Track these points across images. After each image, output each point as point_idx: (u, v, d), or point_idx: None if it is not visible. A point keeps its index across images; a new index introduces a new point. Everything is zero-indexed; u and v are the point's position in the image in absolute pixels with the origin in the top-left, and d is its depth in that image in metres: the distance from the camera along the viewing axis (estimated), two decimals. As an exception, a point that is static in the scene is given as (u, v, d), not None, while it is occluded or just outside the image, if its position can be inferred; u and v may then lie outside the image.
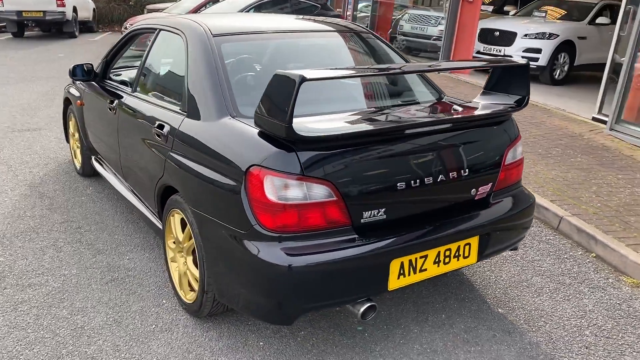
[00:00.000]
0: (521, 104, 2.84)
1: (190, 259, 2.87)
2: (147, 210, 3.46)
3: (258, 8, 11.17)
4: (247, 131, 2.43)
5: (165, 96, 3.19)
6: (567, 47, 10.36)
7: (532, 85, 9.62)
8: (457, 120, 2.67)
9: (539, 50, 10.18)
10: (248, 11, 10.99)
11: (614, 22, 11.13)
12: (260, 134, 2.36)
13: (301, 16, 4.04)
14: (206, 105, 2.71)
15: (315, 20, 3.66)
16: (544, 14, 11.24)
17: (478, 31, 10.69)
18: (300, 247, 2.27)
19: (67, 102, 5.02)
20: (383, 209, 2.43)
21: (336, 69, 2.69)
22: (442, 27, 11.52)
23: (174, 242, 3.08)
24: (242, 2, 11.15)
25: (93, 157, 4.62)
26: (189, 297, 2.93)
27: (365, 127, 2.46)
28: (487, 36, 10.79)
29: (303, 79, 2.10)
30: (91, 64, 4.22)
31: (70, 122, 5.05)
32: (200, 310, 2.80)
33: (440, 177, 2.56)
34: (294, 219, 2.26)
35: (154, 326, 2.87)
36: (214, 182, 2.48)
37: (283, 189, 2.23)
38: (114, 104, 3.67)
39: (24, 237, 3.79)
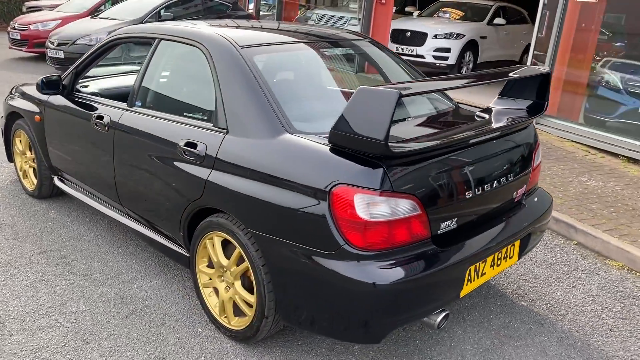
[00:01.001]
0: (541, 109, 3.02)
1: (238, 283, 2.73)
2: (158, 235, 3.22)
3: (167, 7, 10.76)
4: (320, 149, 2.35)
5: (187, 112, 2.98)
6: (471, 46, 11.08)
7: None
8: (511, 126, 2.76)
9: (448, 50, 10.78)
10: (159, 11, 10.53)
11: (508, 22, 12.12)
12: (335, 151, 2.30)
13: (293, 23, 3.96)
14: (255, 122, 2.58)
15: (320, 30, 3.60)
16: (447, 15, 11.93)
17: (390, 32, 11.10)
18: (390, 264, 2.25)
19: (12, 116, 4.50)
20: (455, 218, 2.48)
21: (416, 81, 2.66)
22: (352, 28, 11.81)
23: (207, 267, 2.91)
24: (151, 1, 10.65)
25: (56, 177, 4.19)
26: (236, 323, 2.78)
27: (444, 138, 2.48)
28: (399, 37, 11.22)
29: (401, 95, 2.09)
30: (59, 75, 3.82)
31: (17, 139, 4.54)
32: (256, 335, 2.67)
33: (495, 182, 2.66)
34: (383, 236, 2.24)
35: (202, 359, 2.69)
36: (281, 203, 2.38)
37: (373, 206, 2.20)
38: (105, 121, 3.36)
39: (2, 274, 3.36)
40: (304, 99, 2.80)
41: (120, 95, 3.65)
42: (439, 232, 2.42)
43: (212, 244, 2.81)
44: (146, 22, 10.18)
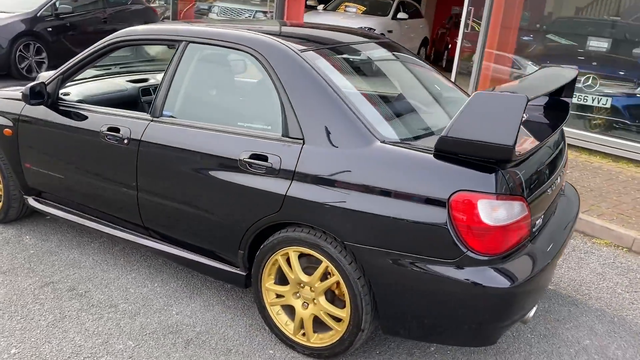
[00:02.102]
0: (567, 109, 3.20)
1: (322, 298, 2.61)
2: (199, 256, 2.96)
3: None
4: (426, 157, 2.31)
5: (241, 122, 2.76)
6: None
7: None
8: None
9: (361, 43, 11.01)
10: (54, 2, 9.56)
11: (410, 17, 12.66)
12: (444, 158, 2.28)
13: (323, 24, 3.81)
14: (340, 131, 2.47)
15: (348, 31, 3.49)
16: (354, 10, 12.18)
17: (303, 26, 11.08)
18: (508, 267, 2.29)
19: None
20: (542, 214, 2.58)
21: (522, 82, 2.64)
22: (257, 21, 11.63)
23: (274, 284, 2.75)
24: (44, -5, 9.64)
25: (30, 198, 3.69)
26: (318, 339, 2.66)
27: (541, 138, 2.54)
28: (311, 30, 11.24)
29: (528, 99, 2.12)
30: (43, 82, 3.35)
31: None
32: (348, 349, 2.58)
33: (559, 177, 2.80)
34: (501, 240, 2.26)
35: (291, 382, 2.55)
36: (388, 214, 2.30)
37: (494, 211, 2.22)
38: (123, 134, 3.01)
39: (9, 317, 2.90)
40: (374, 103, 2.73)
41: (117, 102, 3.30)
42: (533, 230, 2.50)
43: (285, 260, 2.66)
44: (41, 15, 9.22)
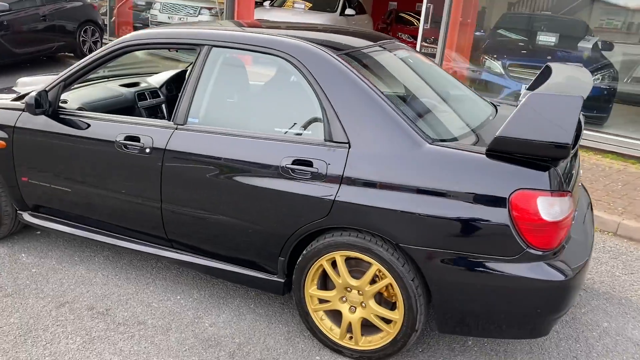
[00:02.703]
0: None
1: (373, 301, 2.61)
2: (233, 265, 2.90)
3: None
4: (481, 157, 2.36)
5: (278, 128, 2.71)
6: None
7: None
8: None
9: (313, 40, 11.01)
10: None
11: (357, 13, 12.78)
12: (499, 157, 2.34)
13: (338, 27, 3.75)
14: (388, 134, 2.47)
15: (364, 33, 3.47)
16: (302, 6, 12.15)
17: (253, 22, 10.95)
18: (560, 261, 2.39)
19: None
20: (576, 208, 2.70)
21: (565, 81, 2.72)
22: (203, 17, 11.41)
23: (317, 289, 2.73)
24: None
25: (26, 213, 3.46)
26: (366, 342, 2.67)
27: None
28: (261, 27, 11.12)
29: (583, 99, 2.22)
30: (45, 89, 3.14)
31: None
32: (401, 350, 2.61)
33: (579, 168, 2.95)
34: (555, 234, 2.35)
35: (347, 386, 2.55)
36: (445, 215, 2.34)
37: (551, 207, 2.31)
38: (145, 143, 2.88)
39: (33, 343, 2.72)
40: (413, 105, 2.75)
41: (117, 109, 3.16)
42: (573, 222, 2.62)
43: (330, 265, 2.64)
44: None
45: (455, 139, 2.56)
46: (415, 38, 14.10)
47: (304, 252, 2.68)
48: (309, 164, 2.57)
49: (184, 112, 2.88)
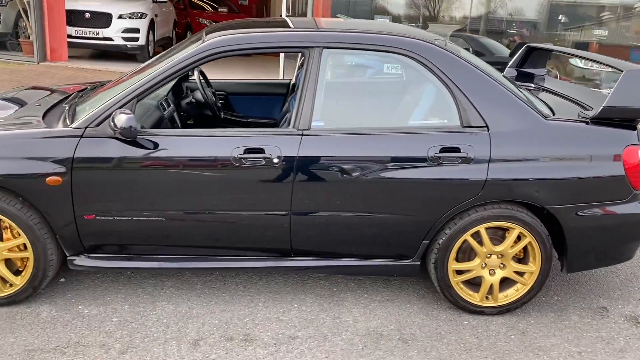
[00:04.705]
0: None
1: (512, 262, 3.01)
2: (363, 260, 3.00)
3: None
4: (592, 127, 2.90)
5: (414, 121, 2.87)
6: (151, 25, 10.88)
7: (132, 66, 9.94)
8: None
9: (137, 30, 10.37)
10: None
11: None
12: (605, 124, 2.92)
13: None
14: (517, 114, 2.87)
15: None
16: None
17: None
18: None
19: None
20: None
21: None
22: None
23: (456, 262, 3.01)
24: None
25: (82, 256, 2.95)
26: (502, 298, 3.05)
27: None
28: (76, 18, 10.02)
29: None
30: (130, 111, 2.71)
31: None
32: (535, 296, 3.07)
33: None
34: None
35: (504, 336, 2.94)
36: (579, 175, 2.87)
37: (646, 157, 2.98)
38: (272, 153, 2.75)
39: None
40: (515, 87, 3.13)
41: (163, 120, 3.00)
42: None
43: (472, 240, 2.95)
44: None
45: (554, 114, 3.06)
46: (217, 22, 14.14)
47: (446, 231, 2.94)
48: (456, 150, 2.82)
49: (307, 117, 2.83)
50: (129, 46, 10.28)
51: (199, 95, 3.72)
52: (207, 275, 3.36)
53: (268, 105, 4.30)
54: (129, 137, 2.66)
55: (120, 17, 10.12)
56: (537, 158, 2.86)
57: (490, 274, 3.05)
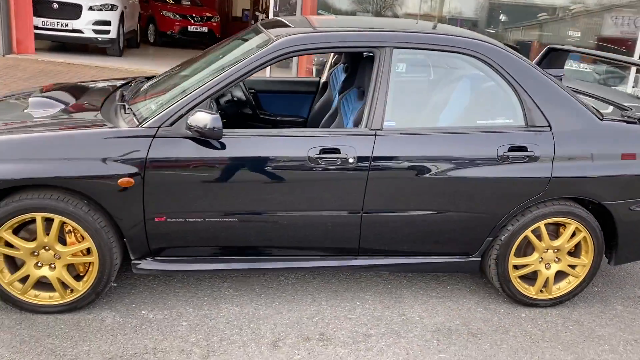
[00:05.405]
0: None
1: (566, 255, 3.14)
2: (427, 257, 3.06)
3: None
4: (637, 126, 3.08)
5: (482, 120, 2.94)
6: (121, 18, 10.54)
7: (103, 60, 9.66)
8: None
9: (109, 23, 10.03)
10: None
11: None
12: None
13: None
14: (576, 114, 2.99)
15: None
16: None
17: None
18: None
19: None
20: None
21: None
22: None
23: (515, 257, 3.11)
24: None
25: (148, 259, 2.87)
26: (556, 290, 3.18)
27: None
28: (43, 9, 9.56)
29: None
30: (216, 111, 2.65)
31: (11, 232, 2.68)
32: (584, 289, 3.22)
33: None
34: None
35: (561, 327, 3.07)
36: (633, 172, 3.04)
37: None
38: (349, 154, 2.76)
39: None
40: (566, 87, 3.25)
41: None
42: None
43: (532, 236, 3.06)
44: None
45: (601, 114, 3.21)
46: (183, 15, 13.80)
47: (508, 227, 3.04)
48: (523, 149, 2.92)
49: (380, 117, 2.85)
50: (99, 39, 9.92)
51: (239, 93, 3.66)
52: (260, 275, 3.32)
53: (295, 103, 4.28)
54: (213, 137, 2.60)
55: (90, 8, 9.74)
56: (595, 156, 2.99)
57: (546, 267, 3.17)
